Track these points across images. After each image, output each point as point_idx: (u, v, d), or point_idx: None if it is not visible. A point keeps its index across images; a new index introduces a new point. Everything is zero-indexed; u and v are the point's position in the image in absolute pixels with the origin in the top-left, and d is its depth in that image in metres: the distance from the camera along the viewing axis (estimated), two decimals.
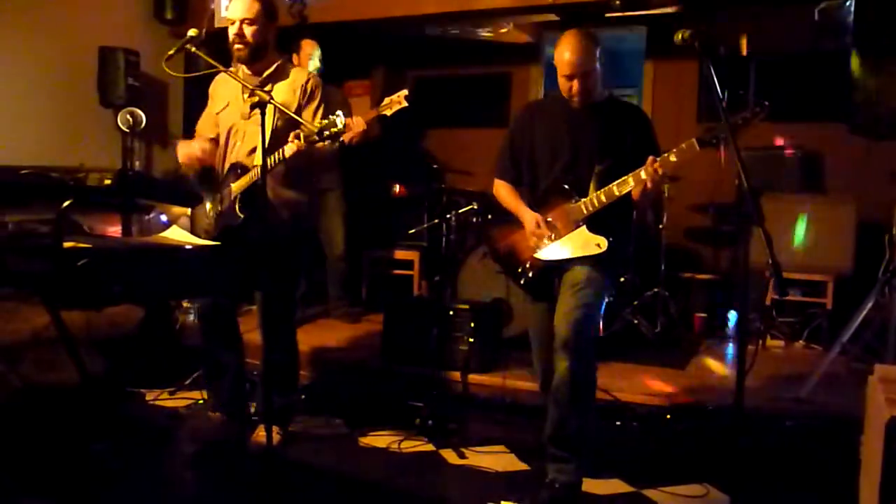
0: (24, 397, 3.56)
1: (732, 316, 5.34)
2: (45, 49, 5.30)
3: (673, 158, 2.83)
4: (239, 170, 3.32)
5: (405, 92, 4.74)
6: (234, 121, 3.41)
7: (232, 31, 3.23)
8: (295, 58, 5.31)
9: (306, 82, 3.38)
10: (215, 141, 3.48)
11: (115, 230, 4.32)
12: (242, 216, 3.25)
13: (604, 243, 3.01)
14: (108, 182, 2.18)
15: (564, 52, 3.00)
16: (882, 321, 3.92)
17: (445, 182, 5.75)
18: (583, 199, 3.04)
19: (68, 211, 2.12)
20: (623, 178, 2.93)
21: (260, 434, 3.45)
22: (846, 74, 4.02)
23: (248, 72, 3.37)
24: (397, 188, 6.31)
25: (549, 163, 3.17)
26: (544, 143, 3.19)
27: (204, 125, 3.56)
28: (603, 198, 2.99)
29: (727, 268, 5.88)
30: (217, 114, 3.47)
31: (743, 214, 2.35)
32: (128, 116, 5.41)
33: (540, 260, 3.16)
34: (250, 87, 2.86)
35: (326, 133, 2.88)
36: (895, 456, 2.06)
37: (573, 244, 3.08)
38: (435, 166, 5.79)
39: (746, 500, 2.79)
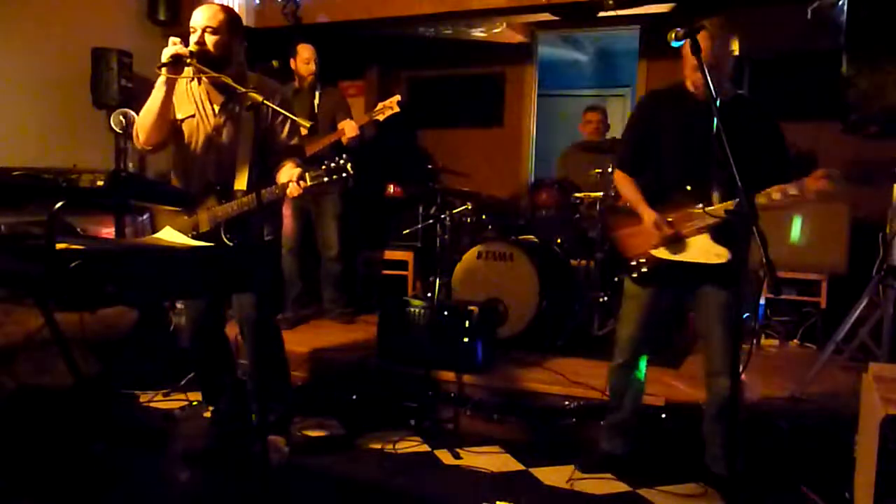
0: (18, 399, 3.55)
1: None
2: (37, 50, 5.28)
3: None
4: (219, 187, 3.19)
5: (398, 97, 4.84)
6: (205, 132, 3.27)
7: (193, 38, 3.09)
8: (292, 62, 5.33)
9: (275, 95, 3.22)
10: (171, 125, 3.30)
11: (108, 231, 4.30)
12: (231, 244, 3.15)
13: (724, 254, 2.99)
14: (100, 183, 2.17)
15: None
16: (876, 320, 3.93)
17: (440, 182, 5.73)
18: (708, 207, 2.97)
19: (61, 212, 2.11)
20: (765, 192, 2.84)
21: (278, 444, 3.44)
22: (839, 73, 4.03)
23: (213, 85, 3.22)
24: (392, 189, 6.33)
25: (674, 159, 3.11)
26: (672, 136, 3.12)
27: None
28: (732, 207, 2.88)
29: None
30: (180, 119, 3.29)
31: (737, 214, 2.35)
32: (121, 118, 5.40)
33: (656, 257, 3.14)
34: (241, 89, 2.81)
35: (334, 177, 2.92)
36: (890, 454, 2.07)
37: (693, 249, 3.05)
38: (430, 166, 5.80)
39: (742, 498, 2.80)
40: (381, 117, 4.98)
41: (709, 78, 2.54)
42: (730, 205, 2.90)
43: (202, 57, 3.03)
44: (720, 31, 2.90)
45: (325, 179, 2.95)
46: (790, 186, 2.80)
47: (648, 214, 3.11)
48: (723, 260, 2.99)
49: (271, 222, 3.39)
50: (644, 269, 3.19)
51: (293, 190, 3.01)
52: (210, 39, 3.09)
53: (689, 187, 3.02)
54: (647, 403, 3.58)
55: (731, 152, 2.57)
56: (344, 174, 2.92)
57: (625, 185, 3.26)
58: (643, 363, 3.37)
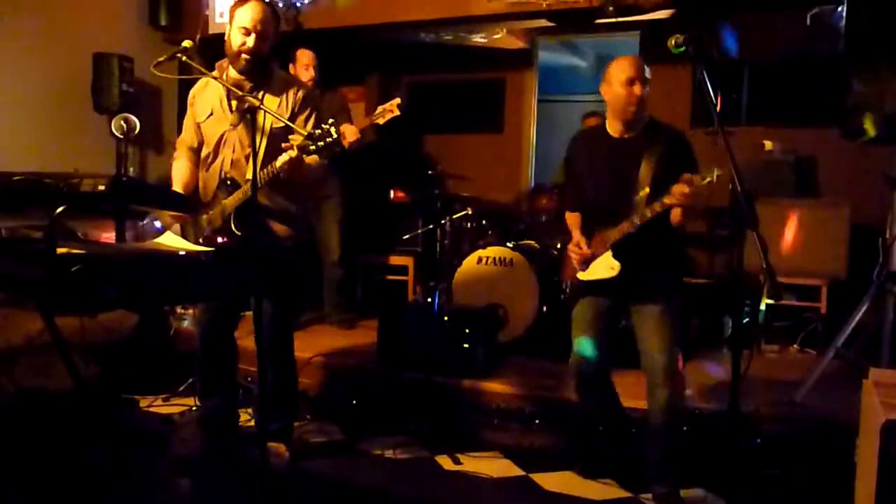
0: (18, 403, 3.55)
1: (727, 320, 5.35)
2: (39, 55, 5.29)
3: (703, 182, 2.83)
4: (229, 182, 3.22)
5: (398, 101, 4.81)
6: (223, 130, 3.28)
7: (240, 38, 3.09)
8: (291, 67, 5.31)
9: (297, 90, 3.28)
10: (197, 151, 3.38)
11: (108, 236, 4.30)
12: (239, 234, 3.15)
13: (616, 267, 3.14)
14: (101, 188, 2.17)
15: (625, 62, 3.22)
16: (876, 325, 3.93)
17: (441, 187, 5.73)
18: (616, 226, 3.13)
19: (62, 217, 2.11)
20: (648, 207, 3.00)
21: (279, 450, 3.44)
22: (838, 78, 4.04)
23: (240, 77, 3.20)
24: (394, 193, 6.32)
25: (593, 192, 3.31)
26: (588, 173, 3.34)
27: (186, 135, 3.44)
28: (626, 226, 3.08)
29: (722, 272, 5.89)
30: (200, 123, 3.34)
31: (737, 219, 2.35)
32: (122, 122, 5.42)
33: (577, 279, 3.32)
34: (239, 93, 2.81)
35: (320, 143, 2.80)
36: (890, 459, 2.06)
37: (598, 267, 3.22)
38: (430, 172, 5.80)
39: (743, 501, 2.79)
40: (381, 121, 4.93)
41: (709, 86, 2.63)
42: (626, 223, 3.08)
43: (250, 60, 3.09)
44: (640, 57, 3.20)
45: (312, 147, 2.85)
46: (666, 197, 2.92)
47: (573, 237, 3.37)
48: (615, 273, 3.15)
49: (292, 227, 3.35)
50: (567, 291, 3.45)
51: (282, 159, 3.00)
52: (259, 43, 3.10)
53: (609, 213, 3.19)
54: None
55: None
56: (329, 139, 2.80)
57: (570, 220, 3.51)
58: (604, 369, 3.35)
